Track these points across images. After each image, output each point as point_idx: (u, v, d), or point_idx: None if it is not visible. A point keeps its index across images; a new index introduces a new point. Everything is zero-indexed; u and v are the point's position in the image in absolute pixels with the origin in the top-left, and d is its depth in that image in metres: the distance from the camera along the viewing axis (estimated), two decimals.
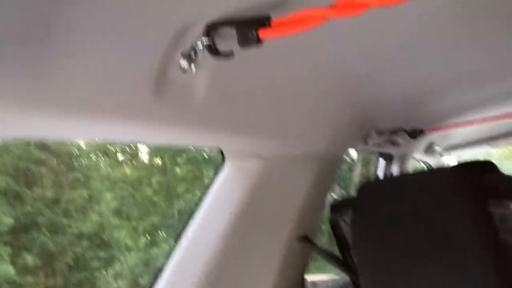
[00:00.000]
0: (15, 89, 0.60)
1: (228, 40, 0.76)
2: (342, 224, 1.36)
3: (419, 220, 1.00)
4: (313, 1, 0.65)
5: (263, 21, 0.68)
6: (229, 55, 0.73)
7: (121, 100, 0.73)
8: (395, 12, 0.70)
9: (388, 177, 2.01)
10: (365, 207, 1.15)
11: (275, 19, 0.68)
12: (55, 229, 8.96)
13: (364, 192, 1.17)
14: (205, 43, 0.74)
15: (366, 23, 0.79)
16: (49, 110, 0.65)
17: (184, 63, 0.77)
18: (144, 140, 0.96)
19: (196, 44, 0.75)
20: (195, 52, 0.77)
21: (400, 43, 0.95)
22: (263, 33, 0.67)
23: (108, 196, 10.50)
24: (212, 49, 0.74)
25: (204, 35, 0.73)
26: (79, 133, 0.80)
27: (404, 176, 1.54)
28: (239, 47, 0.70)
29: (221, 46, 0.75)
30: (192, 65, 0.78)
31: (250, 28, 0.68)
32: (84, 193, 9.70)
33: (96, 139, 0.88)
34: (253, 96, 0.96)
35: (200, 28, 0.73)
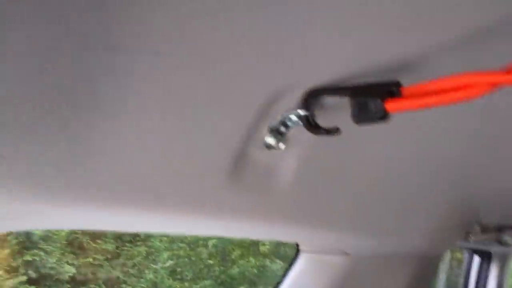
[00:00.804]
0: (50, 177, 0.45)
1: (331, 112, 0.58)
2: None
3: None
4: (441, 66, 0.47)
5: (391, 89, 0.49)
6: (333, 132, 0.55)
7: (185, 189, 0.56)
8: None
9: None
10: None
11: (406, 86, 0.49)
12: (111, 284, 9.01)
13: None
14: (302, 115, 0.56)
15: (488, 106, 0.69)
16: (95, 201, 0.49)
17: (270, 139, 0.59)
18: (209, 233, 0.78)
19: (288, 116, 0.57)
20: (286, 126, 0.59)
21: None
22: (392, 105, 0.48)
23: (165, 255, 10.53)
24: (311, 123, 0.56)
25: (301, 106, 0.55)
26: (133, 225, 0.63)
27: None
28: (355, 122, 0.52)
29: (321, 119, 0.57)
30: (281, 142, 0.59)
31: (372, 97, 0.49)
32: (143, 250, 9.78)
33: (155, 231, 0.70)
34: (343, 182, 0.78)
35: (296, 95, 0.56)
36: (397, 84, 0.49)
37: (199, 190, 0.56)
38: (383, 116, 0.49)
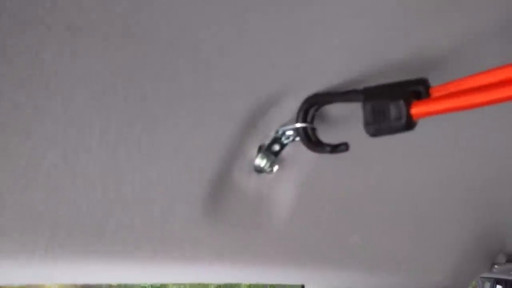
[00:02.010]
0: None
1: (336, 125, 0.46)
2: None
3: None
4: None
5: (417, 89, 0.38)
6: (340, 148, 0.43)
7: (153, 229, 0.43)
8: None
9: None
10: None
11: (436, 86, 0.37)
12: None
13: None
14: (300, 128, 0.44)
15: None
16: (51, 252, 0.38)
17: (261, 161, 0.48)
18: (190, 280, 0.65)
19: (283, 131, 0.46)
20: (281, 143, 0.47)
21: None
22: (419, 109, 0.36)
23: (172, 286, 10.40)
24: (311, 139, 0.45)
25: (299, 118, 0.44)
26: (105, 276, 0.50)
27: None
28: (369, 133, 0.40)
29: (323, 134, 0.46)
30: (274, 164, 0.48)
31: (394, 100, 0.37)
32: (148, 286, 9.65)
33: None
34: (351, 211, 0.67)
35: (292, 105, 0.44)
36: (425, 83, 0.38)
37: (174, 231, 0.44)
38: (408, 123, 0.37)
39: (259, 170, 0.49)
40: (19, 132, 0.32)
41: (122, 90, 0.35)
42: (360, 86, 0.42)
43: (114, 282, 0.52)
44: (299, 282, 0.85)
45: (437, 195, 0.80)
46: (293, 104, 0.45)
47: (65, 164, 0.35)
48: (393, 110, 0.37)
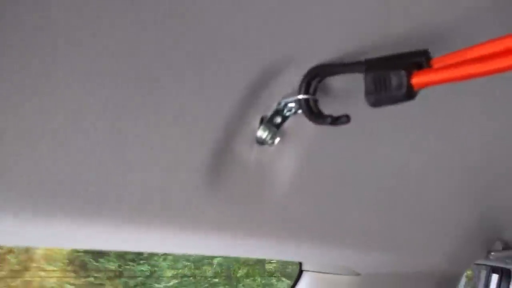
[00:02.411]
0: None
1: (338, 97, 0.47)
2: None
3: None
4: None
5: (418, 60, 0.38)
6: (342, 120, 0.43)
7: (155, 199, 0.44)
8: None
9: None
10: None
11: (437, 57, 0.38)
12: None
13: None
14: (302, 100, 0.45)
15: None
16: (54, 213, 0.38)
17: (263, 132, 0.48)
18: (189, 250, 0.65)
19: (285, 102, 0.46)
20: (283, 115, 0.48)
21: None
22: (420, 79, 0.37)
23: (169, 274, 10.37)
24: (313, 111, 0.45)
25: (301, 89, 0.45)
26: (103, 243, 0.51)
27: None
28: (370, 103, 0.40)
29: (326, 106, 0.46)
30: (275, 136, 0.48)
31: (395, 69, 0.38)
32: (146, 269, 9.62)
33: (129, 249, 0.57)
34: (352, 188, 0.67)
35: (294, 76, 0.45)
36: (426, 54, 0.38)
37: (174, 199, 0.45)
38: (409, 93, 0.38)
39: (261, 142, 0.49)
40: (27, 91, 0.32)
41: (127, 54, 0.35)
42: (362, 59, 0.42)
43: (112, 248, 0.53)
44: (297, 259, 0.85)
45: (436, 178, 0.81)
46: (296, 75, 0.45)
47: (71, 125, 0.35)
48: (394, 80, 0.38)
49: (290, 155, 0.52)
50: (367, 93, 0.40)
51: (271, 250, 0.65)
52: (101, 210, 0.41)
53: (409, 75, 0.37)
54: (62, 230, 0.41)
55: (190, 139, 0.43)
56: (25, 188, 0.36)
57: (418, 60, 0.38)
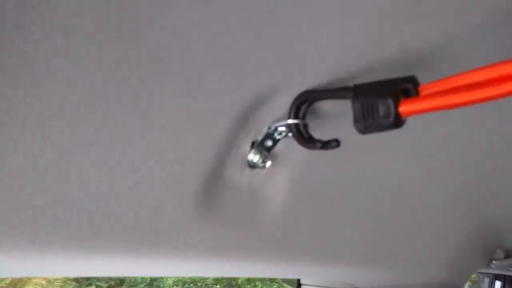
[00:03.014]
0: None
1: (328, 121, 0.46)
2: None
3: None
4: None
5: (405, 86, 0.38)
6: (332, 145, 0.43)
7: (146, 225, 0.43)
8: None
9: None
10: None
11: (424, 84, 0.37)
12: None
13: None
14: (292, 124, 0.44)
15: None
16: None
17: (254, 156, 0.48)
18: (184, 273, 0.65)
19: (276, 127, 0.46)
20: (274, 139, 0.47)
21: None
22: (407, 108, 0.36)
23: (170, 281, 10.38)
24: (303, 135, 0.45)
25: (291, 114, 0.44)
26: (95, 270, 0.50)
27: None
28: (359, 131, 0.40)
29: (316, 130, 0.46)
30: (267, 160, 0.48)
31: (382, 98, 0.37)
32: (147, 276, 9.63)
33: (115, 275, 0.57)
34: (345, 206, 0.66)
35: (284, 101, 0.44)
36: (413, 81, 0.38)
37: (167, 224, 0.44)
38: (396, 121, 0.37)
39: (252, 166, 0.49)
40: (15, 131, 0.32)
41: (116, 89, 0.35)
42: (351, 83, 0.42)
43: (107, 275, 0.52)
44: (293, 277, 0.85)
45: (433, 189, 0.80)
46: (285, 100, 0.45)
47: (61, 162, 0.35)
48: (381, 108, 0.37)
49: (282, 177, 0.52)
50: (355, 121, 0.39)
51: (266, 270, 0.64)
52: (95, 239, 0.40)
53: (397, 104, 0.37)
54: (56, 260, 0.41)
55: (181, 167, 0.43)
56: (20, 222, 0.36)
57: (406, 86, 0.38)
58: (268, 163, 0.48)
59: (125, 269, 0.50)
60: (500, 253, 1.27)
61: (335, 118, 0.47)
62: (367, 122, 0.38)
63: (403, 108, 0.36)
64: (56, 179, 0.36)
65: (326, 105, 0.46)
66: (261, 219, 0.52)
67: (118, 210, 0.40)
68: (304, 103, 0.44)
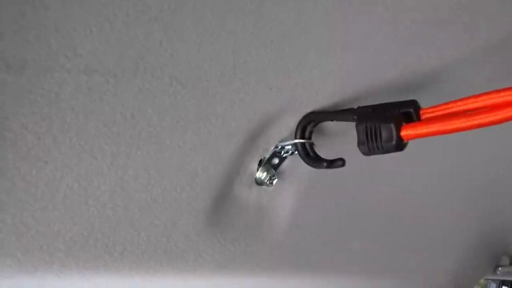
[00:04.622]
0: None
1: (333, 141, 0.48)
2: None
3: None
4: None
5: (407, 111, 0.39)
6: (337, 164, 0.44)
7: (154, 243, 0.45)
8: None
9: None
10: None
11: (426, 108, 0.39)
12: None
13: None
14: (298, 144, 0.46)
15: None
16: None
17: (261, 174, 0.49)
18: None
19: (283, 146, 0.47)
20: (280, 157, 0.49)
21: None
22: (409, 132, 0.38)
23: None
24: (309, 154, 0.46)
25: (297, 133, 0.46)
26: None
27: None
28: (363, 153, 0.41)
29: (322, 149, 0.47)
30: (274, 177, 0.49)
31: (385, 122, 0.39)
32: None
33: None
34: (352, 220, 0.67)
35: (291, 122, 0.46)
36: (415, 105, 0.39)
37: (177, 244, 0.46)
38: (398, 145, 0.38)
39: (260, 183, 0.50)
40: (40, 160, 0.35)
41: (131, 119, 0.37)
42: (355, 104, 0.43)
43: None
44: None
45: (439, 199, 0.80)
46: (292, 120, 0.46)
47: (79, 187, 0.37)
48: (384, 132, 0.39)
49: (289, 194, 0.53)
50: (360, 143, 0.41)
51: (274, 285, 0.65)
52: (109, 260, 0.42)
53: (399, 128, 0.38)
54: (73, 280, 0.43)
55: (192, 187, 0.44)
56: (40, 245, 0.38)
57: (408, 110, 0.39)
58: (275, 181, 0.50)
59: None
60: (506, 260, 1.27)
61: (341, 136, 0.48)
62: (371, 145, 0.40)
63: (405, 132, 0.38)
64: (75, 204, 0.38)
65: (331, 124, 0.48)
66: (269, 235, 0.54)
67: (132, 231, 0.42)
68: (310, 123, 0.46)
